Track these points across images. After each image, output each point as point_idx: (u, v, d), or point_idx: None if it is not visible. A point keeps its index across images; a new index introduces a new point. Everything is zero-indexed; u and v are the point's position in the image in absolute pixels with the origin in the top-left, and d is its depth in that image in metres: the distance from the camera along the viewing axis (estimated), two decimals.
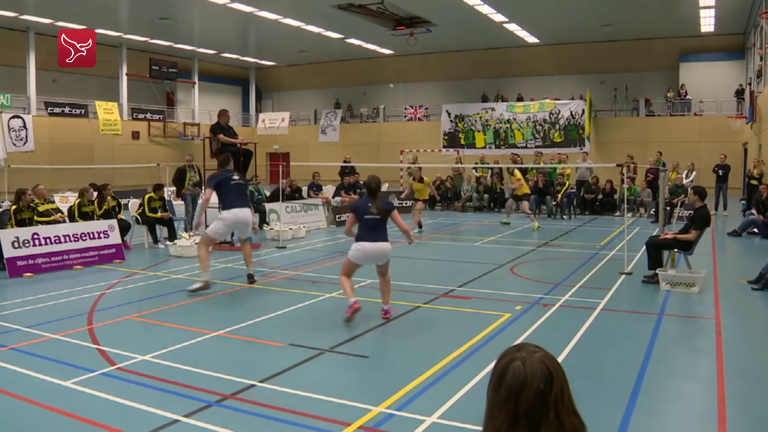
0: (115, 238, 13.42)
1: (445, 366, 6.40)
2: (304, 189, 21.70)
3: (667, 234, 10.94)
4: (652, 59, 35.85)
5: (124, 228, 14.59)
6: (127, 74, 36.87)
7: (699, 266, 11.07)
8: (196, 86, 41.78)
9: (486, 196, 24.60)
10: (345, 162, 25.86)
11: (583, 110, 33.96)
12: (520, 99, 37.75)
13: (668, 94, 34.81)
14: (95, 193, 15.24)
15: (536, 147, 33.67)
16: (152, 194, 15.53)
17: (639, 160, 26.70)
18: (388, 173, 32.59)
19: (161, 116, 39.12)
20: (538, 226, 18.23)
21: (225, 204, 10.71)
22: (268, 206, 18.68)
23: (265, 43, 37.28)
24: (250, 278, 10.87)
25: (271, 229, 16.93)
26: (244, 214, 10.71)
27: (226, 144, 14.56)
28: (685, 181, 21.46)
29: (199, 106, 41.96)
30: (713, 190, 21.67)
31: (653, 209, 20.52)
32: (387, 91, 43.67)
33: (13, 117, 27.70)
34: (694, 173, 22.70)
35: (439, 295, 9.81)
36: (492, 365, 2.04)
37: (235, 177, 10.80)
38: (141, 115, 38.00)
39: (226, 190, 10.66)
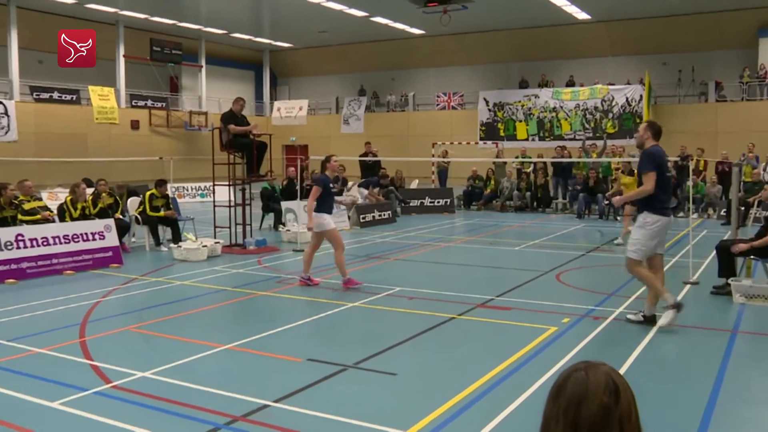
0: (112, 239, 13.52)
1: (483, 386, 6.34)
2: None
3: (740, 246, 10.37)
4: (724, 35, 35.06)
5: (123, 228, 14.69)
6: (124, 56, 37.06)
7: None
8: (203, 70, 42.03)
9: (528, 194, 24.46)
10: (365, 154, 24.66)
11: (641, 96, 33.50)
12: (568, 84, 37.46)
13: (744, 75, 34.09)
14: (89, 191, 15.34)
15: (586, 139, 33.26)
16: (154, 191, 15.62)
17: (708, 152, 26.05)
18: (418, 168, 32.57)
19: (164, 104, 39.39)
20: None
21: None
22: (284, 205, 18.70)
23: (280, 22, 37.41)
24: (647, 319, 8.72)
25: (287, 230, 16.96)
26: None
27: (238, 136, 14.64)
28: (763, 176, 21.01)
29: (206, 93, 42.23)
30: None
31: (724, 209, 20.19)
32: (417, 77, 43.63)
33: None
34: None
35: (475, 305, 9.75)
36: (539, 383, 2.01)
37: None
38: (141, 103, 38.26)
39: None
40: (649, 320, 8.51)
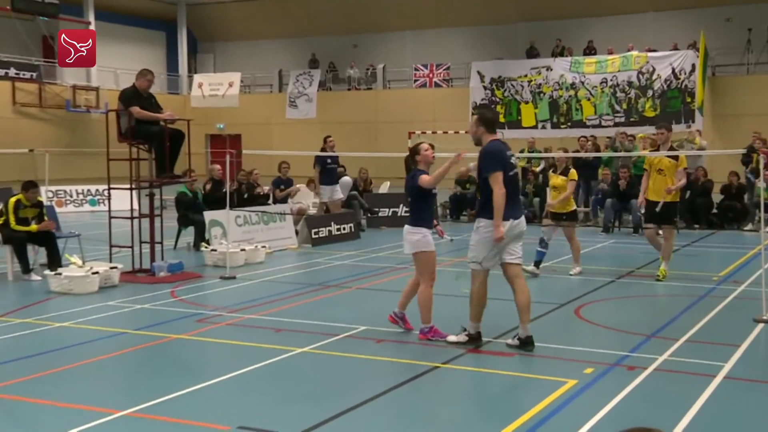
0: None
1: None
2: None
3: None
4: None
5: None
6: None
7: None
8: (92, 28, 41.72)
9: (537, 200, 24.51)
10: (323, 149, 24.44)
11: (694, 66, 33.51)
12: (590, 52, 37.73)
13: None
14: None
15: (616, 125, 33.35)
16: (21, 197, 15.37)
17: None
18: (389, 166, 32.55)
19: (34, 74, 39.00)
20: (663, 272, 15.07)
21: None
22: (208, 216, 18.54)
23: None
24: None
25: (213, 250, 16.84)
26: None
27: (144, 121, 14.57)
28: None
29: (97, 61, 41.91)
30: None
31: None
32: (389, 43, 43.72)
33: None
34: None
35: (466, 350, 9.77)
36: None
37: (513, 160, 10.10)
38: (0, 71, 37.80)
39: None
40: (525, 341, 9.69)
